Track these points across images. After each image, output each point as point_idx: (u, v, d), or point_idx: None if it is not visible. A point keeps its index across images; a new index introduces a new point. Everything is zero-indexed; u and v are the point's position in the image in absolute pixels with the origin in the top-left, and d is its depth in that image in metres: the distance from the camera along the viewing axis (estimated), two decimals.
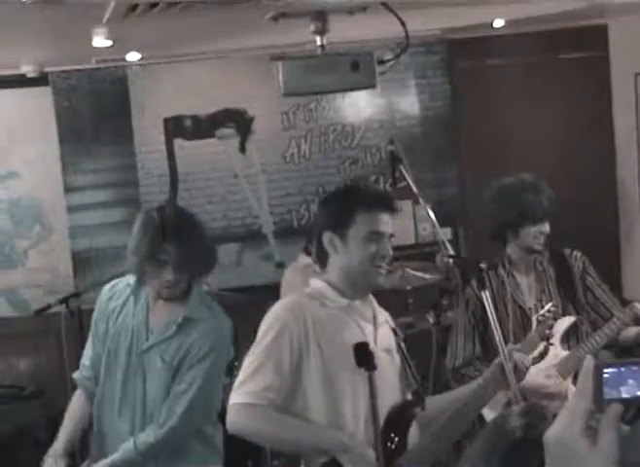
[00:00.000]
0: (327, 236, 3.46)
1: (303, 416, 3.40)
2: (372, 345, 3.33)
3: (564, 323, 4.36)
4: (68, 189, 7.62)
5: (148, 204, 7.65)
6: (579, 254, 4.56)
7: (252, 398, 3.31)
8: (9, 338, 7.59)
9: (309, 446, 3.42)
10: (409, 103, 7.90)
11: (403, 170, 5.27)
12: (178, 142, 7.68)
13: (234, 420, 3.35)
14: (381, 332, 3.56)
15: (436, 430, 3.46)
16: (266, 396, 3.31)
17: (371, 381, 3.14)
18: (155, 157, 7.67)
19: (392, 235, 3.48)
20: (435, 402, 3.64)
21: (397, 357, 3.59)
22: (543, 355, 4.21)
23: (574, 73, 7.89)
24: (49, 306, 6.30)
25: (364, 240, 3.41)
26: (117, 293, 4.13)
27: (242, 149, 7.73)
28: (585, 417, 1.44)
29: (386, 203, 3.49)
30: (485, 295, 3.57)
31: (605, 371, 1.46)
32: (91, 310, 6.91)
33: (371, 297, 3.63)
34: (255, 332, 6.38)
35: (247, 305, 6.41)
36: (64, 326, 6.27)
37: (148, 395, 3.91)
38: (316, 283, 3.54)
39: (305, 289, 3.59)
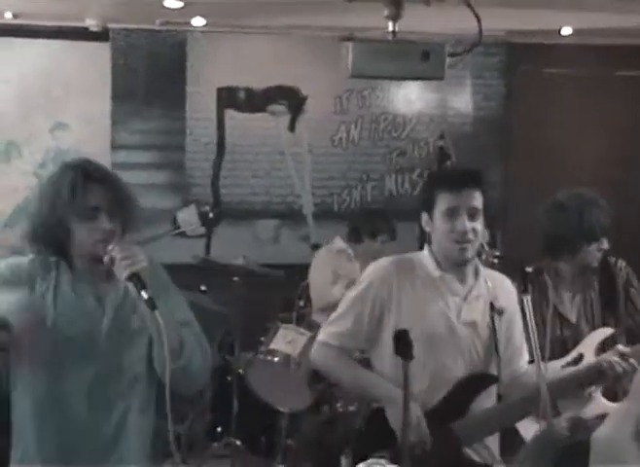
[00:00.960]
0: (423, 217, 3.67)
1: (377, 364, 3.69)
2: (452, 321, 3.56)
3: (600, 335, 4.32)
4: (115, 146, 7.66)
5: (192, 170, 7.70)
6: (623, 264, 4.50)
7: (330, 338, 3.71)
8: None
9: (364, 390, 3.75)
10: (463, 101, 7.90)
11: (449, 166, 5.27)
12: (229, 113, 7.70)
13: (313, 355, 3.80)
14: (469, 306, 3.65)
15: (502, 407, 3.67)
16: (341, 340, 3.68)
17: (405, 370, 3.17)
18: (204, 124, 7.70)
19: (475, 211, 3.55)
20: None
21: (485, 331, 3.66)
22: (577, 361, 4.20)
23: (629, 91, 7.85)
24: None
25: (442, 217, 3.56)
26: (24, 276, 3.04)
27: (292, 127, 7.75)
28: (637, 421, 1.44)
29: (463, 179, 3.60)
30: (527, 299, 3.54)
31: None
32: None
33: (477, 269, 3.71)
34: (284, 306, 6.48)
35: (280, 282, 6.48)
36: None
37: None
38: (423, 252, 3.73)
39: (410, 254, 3.79)
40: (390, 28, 4.37)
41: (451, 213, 3.53)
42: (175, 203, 7.72)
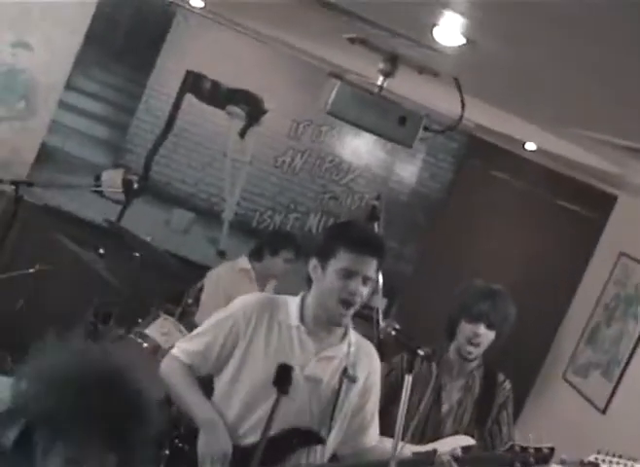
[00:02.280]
0: (312, 262, 3.68)
1: (215, 391, 3.77)
2: (296, 369, 3.50)
3: (461, 441, 4.39)
4: (70, 86, 7.58)
5: (133, 137, 7.66)
6: (508, 386, 4.58)
7: (181, 354, 3.80)
8: None
9: (189, 409, 3.74)
10: (410, 172, 8.01)
11: (375, 228, 5.33)
12: (189, 98, 7.69)
13: (162, 365, 3.84)
14: (318, 364, 3.68)
15: None
16: (192, 358, 3.77)
17: (277, 402, 3.25)
18: (162, 99, 7.68)
19: (368, 279, 3.60)
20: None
21: (329, 392, 3.69)
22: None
23: (562, 222, 8.06)
24: (0, 181, 6.25)
25: (337, 274, 3.57)
26: None
27: (243, 134, 7.77)
28: None
29: (370, 246, 3.63)
30: (408, 379, 3.60)
31: None
32: (33, 206, 6.99)
33: (345, 332, 3.76)
34: (173, 298, 6.45)
35: (177, 274, 6.48)
36: (2, 207, 6.24)
37: None
38: (292, 298, 3.76)
39: (279, 296, 3.84)
40: (379, 82, 4.43)
41: (347, 274, 3.56)
42: (105, 162, 7.64)
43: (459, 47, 3.18)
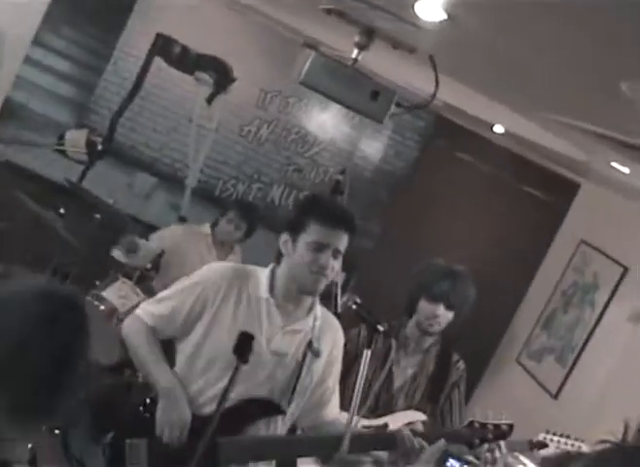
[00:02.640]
0: (283, 237, 3.63)
1: (178, 356, 3.73)
2: (260, 344, 3.49)
3: (412, 416, 4.42)
4: (37, 42, 7.48)
5: (99, 98, 7.57)
6: (462, 366, 4.62)
7: (145, 315, 3.75)
8: None
9: (148, 374, 3.70)
10: (375, 149, 8.00)
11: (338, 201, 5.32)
12: (158, 61, 7.61)
13: (125, 324, 3.82)
14: (284, 337, 3.66)
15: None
16: (155, 321, 3.72)
17: (236, 369, 3.23)
18: (130, 60, 7.59)
19: (339, 252, 3.58)
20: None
21: (292, 365, 3.68)
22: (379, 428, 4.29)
23: (524, 206, 8.10)
24: None
25: (308, 247, 3.55)
26: None
27: (210, 100, 7.71)
28: None
29: (341, 220, 3.60)
30: (367, 354, 3.59)
31: None
32: None
33: (312, 306, 3.73)
34: None
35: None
36: None
37: None
38: (263, 270, 3.71)
39: (251, 267, 3.78)
40: (354, 55, 4.39)
41: (318, 247, 3.54)
42: (69, 121, 7.56)
43: (439, 22, 3.15)
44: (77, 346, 2.26)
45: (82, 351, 2.27)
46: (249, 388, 3.58)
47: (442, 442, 3.87)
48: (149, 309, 3.76)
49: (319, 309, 3.77)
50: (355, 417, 3.51)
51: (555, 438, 4.76)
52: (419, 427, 4.11)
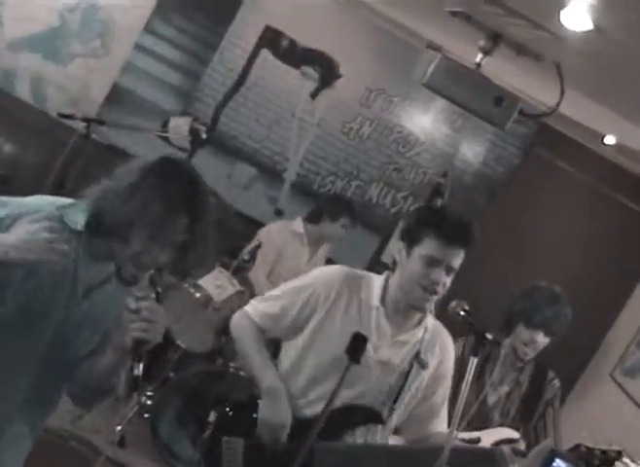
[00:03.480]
0: (397, 244, 3.59)
1: (282, 356, 3.72)
2: (367, 351, 3.38)
3: (506, 433, 4.35)
4: (147, 29, 7.55)
5: (204, 87, 7.60)
6: (558, 384, 4.55)
7: (254, 313, 3.74)
8: (18, 123, 7.52)
9: (253, 372, 3.68)
10: (476, 152, 7.92)
11: (437, 205, 5.29)
12: (264, 53, 7.63)
13: (233, 319, 3.80)
14: (391, 348, 3.61)
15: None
16: (263, 320, 3.71)
17: (347, 369, 3.20)
18: (237, 52, 7.62)
19: (452, 269, 3.49)
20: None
21: (397, 376, 3.62)
22: (472, 442, 4.23)
23: (622, 219, 7.96)
24: (71, 117, 6.20)
25: (421, 260, 3.46)
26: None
27: (314, 95, 7.71)
28: None
29: (458, 236, 3.49)
30: (473, 361, 3.52)
31: None
32: (99, 144, 6.96)
33: (422, 318, 3.65)
34: (229, 252, 6.42)
35: (233, 227, 6.45)
36: (72, 142, 6.21)
37: None
38: (377, 277, 3.67)
39: (364, 273, 3.74)
40: (477, 60, 4.34)
41: (431, 262, 3.45)
42: (174, 108, 7.62)
43: (584, 33, 3.09)
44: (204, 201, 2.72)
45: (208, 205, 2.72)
46: (352, 394, 3.54)
47: (549, 440, 3.80)
48: (257, 307, 3.76)
49: (430, 321, 3.69)
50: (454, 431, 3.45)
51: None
52: (521, 446, 4.03)
